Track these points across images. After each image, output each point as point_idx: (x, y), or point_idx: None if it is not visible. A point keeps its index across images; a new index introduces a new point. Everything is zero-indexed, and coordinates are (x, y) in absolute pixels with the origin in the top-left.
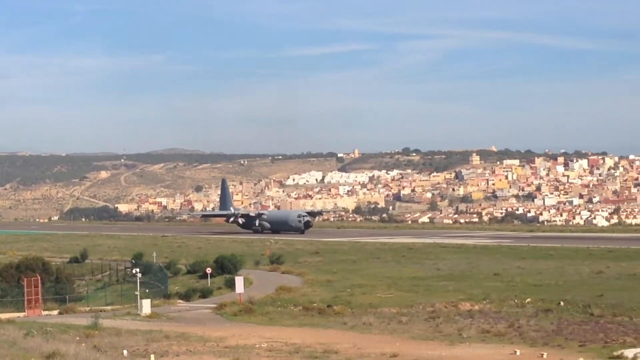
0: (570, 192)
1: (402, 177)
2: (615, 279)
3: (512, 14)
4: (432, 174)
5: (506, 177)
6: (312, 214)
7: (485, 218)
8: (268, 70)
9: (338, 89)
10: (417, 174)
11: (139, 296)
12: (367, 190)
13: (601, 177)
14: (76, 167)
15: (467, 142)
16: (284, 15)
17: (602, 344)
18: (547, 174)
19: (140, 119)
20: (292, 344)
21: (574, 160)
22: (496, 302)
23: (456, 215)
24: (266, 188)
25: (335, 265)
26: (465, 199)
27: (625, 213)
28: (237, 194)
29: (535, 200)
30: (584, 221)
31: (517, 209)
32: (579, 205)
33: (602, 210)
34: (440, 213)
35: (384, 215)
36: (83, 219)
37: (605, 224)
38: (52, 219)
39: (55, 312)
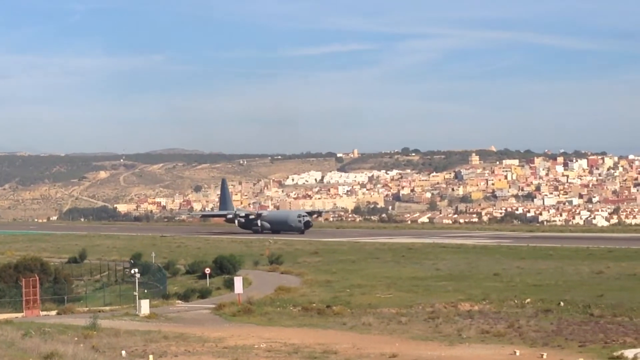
0: (570, 192)
1: (401, 177)
2: (615, 279)
3: (511, 13)
4: (432, 174)
5: (505, 177)
6: (312, 214)
7: (485, 218)
8: (267, 70)
9: (337, 88)
10: (417, 174)
11: (137, 296)
12: (367, 190)
13: (601, 177)
14: (75, 167)
15: (466, 142)
16: (283, 15)
17: (602, 345)
18: (547, 174)
19: (139, 119)
20: (291, 344)
21: (574, 160)
22: (496, 303)
23: (455, 215)
24: (265, 188)
25: (334, 266)
26: (465, 199)
27: (625, 213)
28: (236, 194)
29: (534, 200)
30: (584, 221)
31: (517, 209)
32: (579, 205)
33: (602, 210)
34: (440, 213)
35: (384, 215)
36: (82, 219)
37: (605, 224)
38: (51, 219)
39: (53, 313)
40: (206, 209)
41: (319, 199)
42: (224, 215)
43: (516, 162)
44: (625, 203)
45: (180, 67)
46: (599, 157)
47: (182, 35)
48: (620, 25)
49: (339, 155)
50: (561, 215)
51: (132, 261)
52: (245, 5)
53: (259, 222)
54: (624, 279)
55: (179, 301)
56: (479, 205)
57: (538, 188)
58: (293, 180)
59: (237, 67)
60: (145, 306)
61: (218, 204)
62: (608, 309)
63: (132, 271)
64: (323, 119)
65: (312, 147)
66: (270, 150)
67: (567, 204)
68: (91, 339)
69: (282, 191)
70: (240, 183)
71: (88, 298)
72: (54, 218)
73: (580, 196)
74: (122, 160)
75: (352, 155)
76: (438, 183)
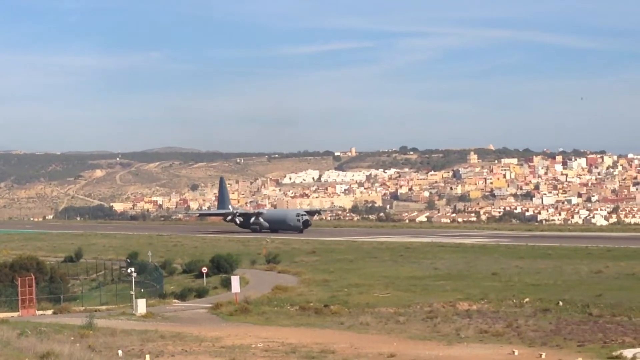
0: (569, 191)
1: (399, 176)
2: (614, 278)
3: (512, 12)
4: (430, 173)
5: (504, 176)
6: (311, 213)
7: (483, 217)
8: (265, 69)
9: (335, 87)
10: (415, 172)
11: (134, 296)
12: (364, 189)
13: (600, 176)
14: (71, 165)
15: (464, 141)
16: (282, 14)
17: (601, 344)
18: (546, 173)
19: (135, 117)
20: (288, 344)
21: (573, 159)
22: (494, 302)
23: (454, 214)
24: (262, 187)
25: (332, 265)
26: (463, 197)
27: (624, 212)
28: (233, 193)
29: (533, 199)
30: (583, 220)
31: (515, 208)
32: (578, 204)
33: (601, 209)
34: (438, 212)
35: (381, 214)
36: (78, 218)
37: (604, 223)
38: (47, 217)
39: (49, 312)
40: (203, 207)
41: (316, 197)
42: (222, 214)
43: (515, 161)
44: (624, 202)
45: (176, 65)
46: (598, 156)
47: (178, 34)
48: (620, 24)
49: (336, 153)
50: (560, 214)
51: (128, 260)
52: (244, 4)
53: (258, 220)
54: (623, 278)
55: (176, 300)
56: (478, 204)
57: (537, 187)
58: (290, 179)
59: (234, 65)
60: (141, 305)
61: (215, 202)
62: (607, 309)
63: (129, 270)
64: (321, 118)
65: (309, 145)
66: (267, 149)
67: (566, 203)
68: (87, 338)
69: (280, 190)
70: (237, 182)
71: (84, 297)
72: (50, 217)
73: (579, 195)
74: (118, 158)
75: (349, 154)
76: (436, 182)
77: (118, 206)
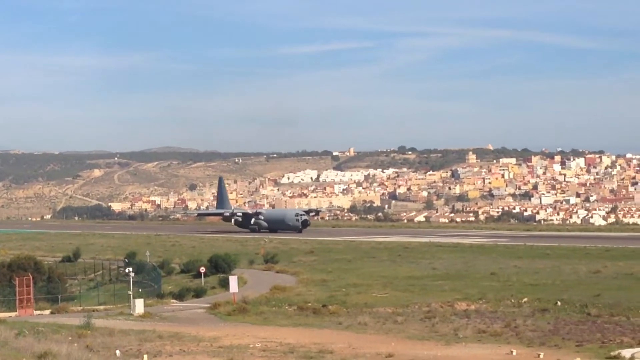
0: (567, 190)
1: (397, 176)
2: (612, 278)
3: (512, 12)
4: (428, 173)
5: (502, 176)
6: (309, 212)
7: (482, 217)
8: (265, 69)
9: (334, 87)
10: (413, 172)
11: (131, 296)
12: (363, 189)
13: (598, 176)
14: (69, 165)
15: (463, 141)
16: (282, 14)
17: (599, 344)
18: (544, 173)
19: (134, 117)
20: (286, 344)
21: (571, 159)
22: (492, 302)
23: (452, 214)
24: (261, 187)
25: (330, 265)
26: (462, 197)
27: (622, 212)
28: (231, 193)
29: (531, 199)
30: (581, 220)
31: (514, 208)
32: (576, 204)
33: (599, 209)
34: (436, 212)
35: (380, 214)
36: (76, 218)
37: (603, 223)
38: (45, 217)
39: (47, 312)
40: (201, 207)
41: (314, 197)
42: (221, 214)
43: (513, 160)
44: (622, 202)
45: (174, 65)
46: (597, 155)
47: (177, 34)
48: (620, 24)
49: (335, 153)
50: (558, 214)
51: (126, 260)
52: (242, 3)
53: (257, 220)
54: (621, 278)
55: (174, 300)
56: (476, 204)
57: (535, 187)
58: (289, 178)
59: (232, 65)
60: (139, 305)
61: (213, 202)
62: (605, 309)
63: (127, 270)
64: (320, 118)
65: (308, 145)
66: (265, 149)
67: (564, 203)
68: (85, 338)
69: (278, 190)
70: (235, 182)
71: (82, 297)
72: (48, 217)
73: (578, 195)
74: (116, 158)
75: (348, 154)
76: (435, 182)
77: (116, 206)
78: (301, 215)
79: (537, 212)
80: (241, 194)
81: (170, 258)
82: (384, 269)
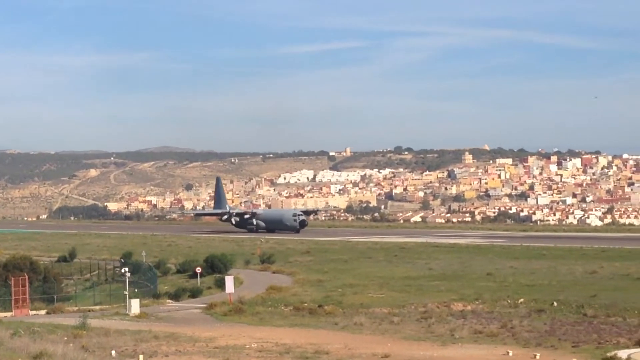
0: (564, 191)
1: (394, 176)
2: (608, 279)
3: (510, 12)
4: (425, 173)
5: (499, 176)
6: (307, 212)
7: (478, 217)
8: (265, 69)
9: (333, 86)
10: (410, 172)
11: (127, 296)
12: (359, 189)
13: (595, 177)
14: (65, 165)
15: (459, 141)
16: (282, 14)
17: (596, 345)
18: (540, 173)
19: (133, 117)
20: (282, 344)
21: (567, 159)
22: (489, 303)
23: (449, 215)
24: (257, 187)
25: (326, 265)
26: (458, 198)
27: (619, 212)
28: (227, 193)
29: (528, 199)
30: (578, 221)
31: (510, 208)
32: (572, 205)
33: (596, 210)
34: (433, 212)
35: (376, 214)
36: (72, 218)
37: (599, 223)
38: (41, 217)
39: (43, 312)
40: (197, 207)
41: (311, 197)
42: (218, 214)
43: (510, 161)
44: (619, 202)
45: (171, 65)
46: (593, 156)
47: (180, 35)
48: (620, 24)
49: (331, 153)
50: (555, 214)
51: (122, 260)
52: (241, 3)
53: (254, 221)
54: (618, 279)
55: (170, 300)
56: (472, 204)
57: (532, 187)
58: (285, 178)
59: (235, 66)
60: (135, 305)
61: (209, 202)
62: (601, 309)
63: (123, 270)
64: (316, 117)
65: (304, 145)
66: (262, 149)
67: (560, 203)
68: (81, 338)
69: (274, 190)
70: (231, 182)
71: (78, 297)
72: (44, 216)
73: (574, 195)
74: (112, 158)
75: (344, 154)
76: (431, 182)
77: (112, 206)
78: (299, 215)
79: (534, 213)
80: (237, 194)
81: (166, 258)
82: (380, 269)
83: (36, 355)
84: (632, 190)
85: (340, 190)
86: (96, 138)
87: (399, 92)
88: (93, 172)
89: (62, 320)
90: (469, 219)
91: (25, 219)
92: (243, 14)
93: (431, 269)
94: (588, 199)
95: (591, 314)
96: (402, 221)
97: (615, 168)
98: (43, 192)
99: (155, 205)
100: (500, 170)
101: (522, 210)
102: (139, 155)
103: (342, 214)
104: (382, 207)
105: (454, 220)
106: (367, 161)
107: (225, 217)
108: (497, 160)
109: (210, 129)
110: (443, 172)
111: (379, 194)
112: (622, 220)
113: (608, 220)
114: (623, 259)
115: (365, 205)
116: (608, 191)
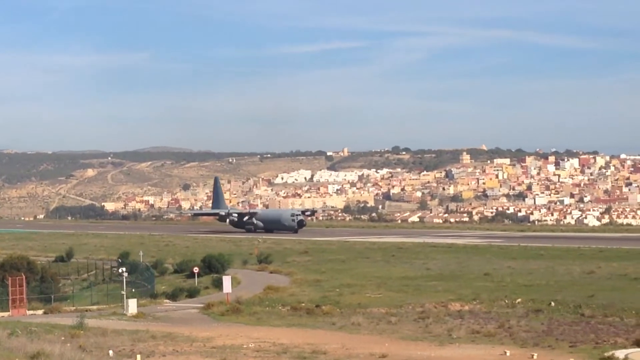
0: (561, 191)
1: (391, 176)
2: (606, 279)
3: (510, 12)
4: (422, 173)
5: (497, 176)
6: (305, 212)
7: (476, 217)
8: (265, 69)
9: (330, 87)
10: (407, 172)
11: (125, 296)
12: (357, 189)
13: (592, 177)
14: (62, 165)
15: (457, 141)
16: (282, 14)
17: (593, 345)
18: (538, 173)
19: (132, 117)
20: (280, 344)
21: (565, 160)
22: (486, 303)
23: (446, 215)
24: (254, 187)
25: (324, 265)
26: (456, 198)
27: (616, 213)
28: (225, 193)
29: (526, 199)
30: (575, 221)
31: (508, 209)
32: (570, 205)
33: (593, 210)
34: (430, 212)
35: (374, 214)
36: (69, 218)
37: (597, 223)
38: (38, 217)
39: (40, 312)
40: (194, 207)
41: (308, 197)
42: (216, 214)
43: (507, 161)
44: (616, 203)
45: (169, 65)
46: (591, 156)
47: (181, 35)
48: (620, 24)
49: (329, 153)
50: (552, 214)
51: (119, 260)
52: (239, 3)
53: (252, 220)
54: (615, 279)
55: (167, 300)
56: (470, 204)
57: (529, 187)
58: (282, 178)
59: (235, 66)
60: (132, 305)
61: (206, 202)
62: (599, 309)
63: (120, 270)
64: (315, 118)
65: (301, 145)
66: (259, 149)
67: (558, 203)
68: (78, 338)
69: (272, 190)
70: (229, 182)
71: (75, 297)
72: (41, 216)
73: (572, 196)
74: (109, 158)
75: (342, 154)
76: (429, 182)
77: (109, 206)
78: (297, 215)
79: (531, 213)
80: (235, 194)
81: (163, 258)
82: (377, 269)
83: (33, 355)
84: (629, 190)
85: (337, 190)
86: (94, 138)
87: (398, 92)
88: (90, 172)
89: (59, 320)
90: (466, 219)
91: (23, 218)
92: (243, 14)
93: (429, 269)
94: (586, 199)
95: (589, 314)
96: (399, 221)
97: (612, 168)
98: (40, 191)
99: (152, 205)
100: (497, 170)
101: (519, 211)
102: (136, 155)
103: (340, 214)
104: (380, 207)
105: (452, 220)
106: (364, 161)
107: (224, 217)
108: (495, 160)
109: (209, 129)
110: (441, 172)
111: (377, 194)
112: (619, 221)
113: (606, 220)
114: (620, 259)
115: (362, 205)
116: (606, 191)
